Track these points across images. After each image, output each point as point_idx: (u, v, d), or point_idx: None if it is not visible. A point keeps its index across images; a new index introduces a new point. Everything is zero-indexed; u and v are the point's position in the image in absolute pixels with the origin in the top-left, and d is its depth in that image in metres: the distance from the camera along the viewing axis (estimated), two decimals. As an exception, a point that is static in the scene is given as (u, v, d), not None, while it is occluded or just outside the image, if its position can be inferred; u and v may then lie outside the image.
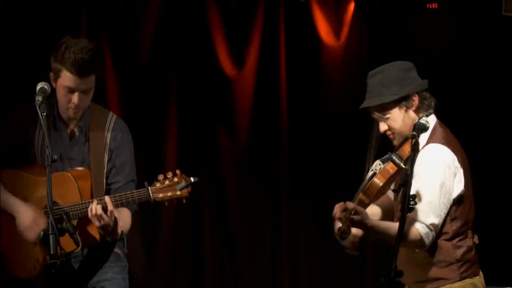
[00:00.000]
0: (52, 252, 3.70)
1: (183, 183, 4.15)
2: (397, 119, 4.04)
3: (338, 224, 3.91)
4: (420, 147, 3.90)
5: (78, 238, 3.90)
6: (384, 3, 6.43)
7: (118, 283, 4.42)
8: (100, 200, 4.16)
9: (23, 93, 4.87)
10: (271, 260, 6.51)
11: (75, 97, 4.24)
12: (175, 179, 4.16)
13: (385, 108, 4.04)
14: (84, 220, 4.22)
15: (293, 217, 6.53)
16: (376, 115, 4.09)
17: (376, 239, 4.01)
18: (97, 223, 4.15)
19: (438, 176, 3.91)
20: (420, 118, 3.92)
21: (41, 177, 4.26)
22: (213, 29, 6.34)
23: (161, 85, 6.25)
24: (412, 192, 3.69)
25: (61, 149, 4.30)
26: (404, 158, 3.98)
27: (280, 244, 6.51)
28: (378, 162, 4.02)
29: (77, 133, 4.38)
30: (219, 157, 6.43)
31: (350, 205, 3.88)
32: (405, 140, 4.05)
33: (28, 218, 4.23)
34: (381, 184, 3.96)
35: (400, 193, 4.01)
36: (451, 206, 3.97)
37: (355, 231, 3.99)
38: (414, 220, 3.87)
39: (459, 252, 4.00)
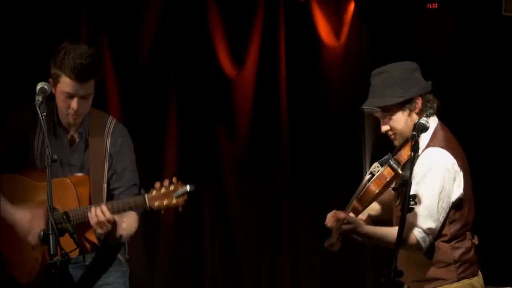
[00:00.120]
0: (52, 252, 3.70)
1: (179, 192, 4.14)
2: (400, 121, 4.04)
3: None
4: (421, 149, 3.90)
5: (77, 238, 3.90)
6: (384, 3, 6.42)
7: (119, 287, 4.42)
8: (97, 206, 4.17)
9: (23, 93, 4.87)
10: (271, 260, 6.51)
11: (74, 103, 4.23)
12: (172, 187, 4.15)
13: (388, 109, 4.03)
14: (82, 226, 4.22)
15: (293, 217, 6.52)
16: (378, 115, 4.09)
17: (372, 244, 4.01)
18: (98, 229, 4.16)
19: (437, 181, 3.91)
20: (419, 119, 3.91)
21: (41, 182, 4.25)
22: (213, 29, 6.34)
23: (161, 85, 6.25)
24: (411, 194, 3.69)
25: (61, 155, 4.29)
26: (402, 163, 3.97)
27: (280, 244, 6.51)
28: (376, 164, 4.02)
29: (77, 140, 4.38)
30: (219, 157, 6.43)
31: (341, 215, 3.89)
32: (405, 142, 4.04)
33: (26, 223, 4.22)
34: (376, 191, 3.96)
35: (399, 193, 4.02)
36: (450, 210, 3.97)
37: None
38: (412, 224, 3.88)
39: (457, 253, 4.00)
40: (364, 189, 3.97)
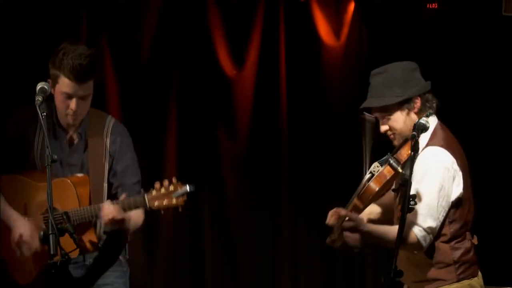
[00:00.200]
0: (52, 252, 3.70)
1: (179, 192, 4.14)
2: (399, 121, 4.03)
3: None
4: (420, 148, 3.90)
5: (77, 238, 3.90)
6: (384, 3, 6.42)
7: (118, 287, 4.43)
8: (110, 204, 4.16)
9: (23, 93, 4.87)
10: (271, 260, 6.51)
11: (73, 103, 4.23)
12: (171, 188, 4.16)
13: (387, 109, 4.03)
14: (82, 226, 4.23)
15: (293, 217, 6.52)
16: (377, 115, 4.09)
17: (373, 243, 4.01)
18: (108, 225, 4.16)
19: (437, 179, 3.91)
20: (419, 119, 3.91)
21: (41, 182, 4.25)
22: (213, 29, 6.34)
23: (161, 85, 6.25)
24: (411, 193, 3.69)
25: (61, 156, 4.29)
26: (401, 162, 3.98)
27: (280, 244, 6.51)
28: (376, 164, 4.03)
29: (76, 140, 4.38)
30: (219, 157, 6.43)
31: (342, 212, 3.89)
32: (404, 142, 4.05)
33: (24, 232, 4.23)
34: (376, 189, 3.96)
35: (399, 194, 4.02)
36: (449, 209, 3.97)
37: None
38: (412, 223, 3.87)
39: (457, 253, 4.00)
40: (364, 187, 3.97)
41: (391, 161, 3.97)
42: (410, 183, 3.68)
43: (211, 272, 6.39)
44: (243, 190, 6.44)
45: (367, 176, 4.01)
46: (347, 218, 3.87)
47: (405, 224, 3.71)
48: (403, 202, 3.67)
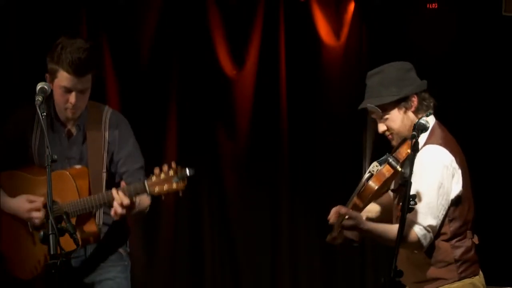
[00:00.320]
0: (52, 252, 3.70)
1: (179, 176, 4.13)
2: (396, 120, 4.04)
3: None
4: (419, 147, 3.90)
5: (78, 238, 3.90)
6: (384, 3, 6.42)
7: (120, 282, 4.43)
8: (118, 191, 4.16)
9: (23, 93, 4.87)
10: (271, 260, 6.51)
11: (72, 97, 4.24)
12: (171, 172, 4.14)
13: (384, 109, 4.04)
14: (83, 217, 4.23)
15: (293, 217, 6.52)
16: (374, 115, 4.09)
17: (373, 241, 4.01)
18: (117, 212, 4.14)
19: (436, 178, 3.91)
20: (419, 118, 3.92)
21: (40, 176, 4.26)
22: (213, 29, 6.34)
23: (161, 85, 6.25)
24: (411, 193, 3.69)
25: (59, 149, 4.30)
26: (400, 161, 3.99)
27: (280, 244, 6.51)
28: (375, 163, 4.03)
29: (74, 133, 4.38)
30: (219, 157, 6.43)
31: (343, 210, 3.89)
32: (403, 141, 4.05)
33: (24, 208, 4.23)
34: (376, 187, 3.97)
35: (399, 194, 4.03)
36: (449, 207, 3.97)
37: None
38: (412, 222, 3.87)
39: (458, 252, 4.00)
40: (364, 186, 3.98)
41: (390, 160, 3.98)
42: (410, 183, 3.68)
43: (211, 272, 6.39)
44: (243, 190, 6.44)
45: (366, 175, 4.02)
46: (347, 217, 3.87)
47: (405, 223, 3.71)
48: (403, 201, 3.67)
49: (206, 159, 6.35)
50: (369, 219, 4.19)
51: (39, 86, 3.99)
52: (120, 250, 4.47)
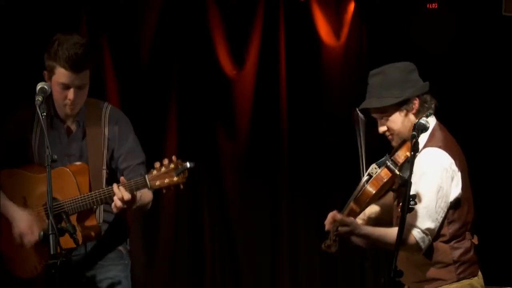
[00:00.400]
0: (52, 252, 3.70)
1: (180, 169, 4.12)
2: (397, 121, 4.04)
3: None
4: (419, 148, 3.90)
5: (78, 238, 3.90)
6: (384, 3, 6.42)
7: (121, 281, 4.43)
8: (108, 189, 4.15)
9: (23, 93, 4.87)
10: (271, 260, 6.51)
11: (70, 93, 4.24)
12: (172, 165, 4.13)
13: (385, 110, 4.04)
14: (84, 214, 4.23)
15: (293, 217, 6.52)
16: (375, 115, 4.09)
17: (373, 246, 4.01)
18: (118, 206, 4.13)
19: (435, 180, 3.91)
20: (419, 118, 3.91)
21: (40, 174, 4.26)
22: (213, 29, 6.34)
23: (161, 85, 6.25)
24: (411, 193, 3.69)
25: (59, 146, 4.30)
26: (399, 164, 3.98)
27: (280, 244, 6.51)
28: (374, 165, 4.03)
29: (74, 129, 4.38)
30: (219, 157, 6.43)
31: (338, 217, 3.89)
32: (402, 143, 4.05)
33: (24, 224, 4.23)
34: (373, 192, 3.97)
35: (399, 194, 4.02)
36: (448, 210, 3.97)
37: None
38: (411, 225, 3.88)
39: (456, 253, 4.00)
40: (361, 191, 3.98)
41: (389, 163, 3.97)
42: (410, 183, 3.68)
43: (211, 272, 6.39)
44: (243, 190, 6.44)
45: (365, 178, 4.02)
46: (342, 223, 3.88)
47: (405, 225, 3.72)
48: (403, 202, 3.67)
49: (206, 159, 6.35)
50: (370, 218, 4.19)
51: (39, 86, 3.99)
52: (120, 248, 4.47)
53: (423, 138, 3.97)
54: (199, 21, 6.30)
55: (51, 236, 3.71)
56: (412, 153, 3.72)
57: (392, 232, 3.81)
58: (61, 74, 4.20)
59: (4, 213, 4.29)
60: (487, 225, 5.24)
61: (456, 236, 4.01)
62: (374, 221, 4.19)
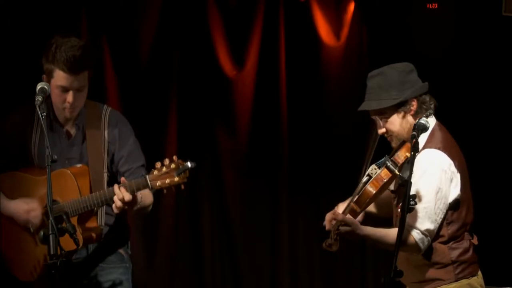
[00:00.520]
0: (52, 252, 3.70)
1: (181, 169, 4.11)
2: (395, 123, 4.04)
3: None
4: (419, 148, 3.90)
5: (78, 238, 3.89)
6: (384, 3, 6.42)
7: (122, 283, 4.43)
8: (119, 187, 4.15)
9: (23, 93, 4.86)
10: (271, 260, 6.51)
11: (69, 96, 4.23)
12: (172, 165, 4.12)
13: (383, 112, 4.04)
14: (84, 216, 4.22)
15: (293, 217, 6.52)
16: (374, 117, 4.09)
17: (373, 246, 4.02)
18: (118, 206, 4.13)
19: (434, 182, 3.92)
20: (419, 119, 3.91)
21: (40, 176, 4.26)
22: (213, 29, 6.34)
23: (161, 85, 6.25)
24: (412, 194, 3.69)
25: (59, 149, 4.29)
26: (399, 165, 3.98)
27: (280, 244, 6.50)
28: (373, 166, 4.03)
29: (74, 133, 4.38)
30: (219, 157, 6.43)
31: (339, 216, 3.90)
32: (402, 144, 4.05)
33: (25, 207, 4.23)
34: (374, 192, 3.97)
35: (398, 194, 4.02)
36: (447, 211, 3.97)
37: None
38: (410, 226, 3.89)
39: (455, 253, 4.01)
40: (361, 191, 3.98)
41: (389, 164, 3.97)
42: (410, 183, 3.68)
43: (211, 272, 6.39)
44: (243, 190, 6.44)
45: (365, 178, 4.02)
46: (343, 223, 3.88)
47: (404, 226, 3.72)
48: (403, 202, 3.67)
49: (206, 159, 6.35)
50: (367, 213, 4.20)
51: (39, 86, 3.99)
52: (121, 251, 4.47)
53: (422, 138, 3.97)
54: (199, 21, 6.30)
55: (51, 236, 3.71)
56: (412, 153, 3.72)
57: (392, 233, 3.83)
58: (60, 77, 4.20)
59: (4, 212, 4.29)
60: (487, 225, 5.24)
61: (454, 237, 4.01)
62: (371, 216, 4.20)
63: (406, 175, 3.72)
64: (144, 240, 6.18)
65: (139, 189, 4.14)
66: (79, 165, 4.32)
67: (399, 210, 3.81)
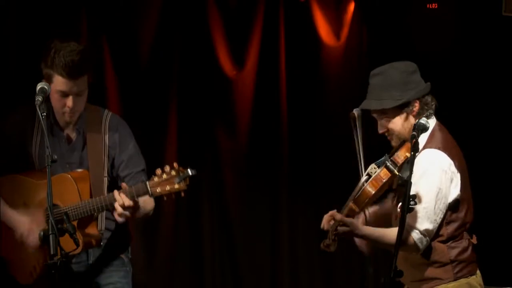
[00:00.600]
0: (52, 252, 3.70)
1: (181, 176, 4.11)
2: (397, 123, 4.04)
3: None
4: (419, 148, 3.90)
5: (78, 238, 3.89)
6: (384, 3, 6.42)
7: (122, 287, 4.42)
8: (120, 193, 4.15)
9: (23, 93, 4.86)
10: (271, 260, 6.51)
11: (69, 101, 4.23)
12: (173, 172, 4.11)
13: (385, 112, 4.03)
14: (84, 221, 4.22)
15: (293, 217, 6.52)
16: (375, 116, 4.09)
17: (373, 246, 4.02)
18: (121, 214, 4.12)
19: (434, 182, 3.92)
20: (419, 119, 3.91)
21: (40, 180, 4.25)
22: (213, 29, 6.34)
23: (161, 85, 6.25)
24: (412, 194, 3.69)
25: (59, 154, 4.27)
26: (398, 165, 3.98)
27: (280, 244, 6.51)
28: (373, 165, 4.03)
29: (74, 137, 4.37)
30: (219, 157, 6.43)
31: (337, 216, 3.90)
32: (402, 143, 4.04)
33: (25, 227, 4.22)
34: (373, 192, 3.97)
35: (398, 194, 4.02)
36: (446, 210, 3.97)
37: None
38: (409, 226, 3.88)
39: (453, 253, 4.01)
40: (360, 191, 3.98)
41: (388, 164, 3.97)
42: (410, 183, 3.68)
43: (211, 272, 6.39)
44: (243, 190, 6.44)
45: (364, 178, 4.01)
46: (341, 223, 3.88)
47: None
48: (403, 201, 3.67)
49: (206, 159, 6.35)
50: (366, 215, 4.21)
51: (39, 86, 3.98)
52: (122, 255, 4.46)
53: (422, 139, 3.97)
54: (199, 21, 6.30)
55: (51, 236, 3.70)
56: (412, 153, 3.72)
57: (391, 233, 3.83)
58: (59, 82, 4.19)
59: (4, 221, 4.29)
60: (487, 225, 5.24)
61: (453, 236, 4.01)
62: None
63: (405, 175, 3.72)
64: (144, 240, 6.18)
65: (139, 195, 4.13)
66: (79, 170, 4.31)
67: (398, 210, 3.80)
